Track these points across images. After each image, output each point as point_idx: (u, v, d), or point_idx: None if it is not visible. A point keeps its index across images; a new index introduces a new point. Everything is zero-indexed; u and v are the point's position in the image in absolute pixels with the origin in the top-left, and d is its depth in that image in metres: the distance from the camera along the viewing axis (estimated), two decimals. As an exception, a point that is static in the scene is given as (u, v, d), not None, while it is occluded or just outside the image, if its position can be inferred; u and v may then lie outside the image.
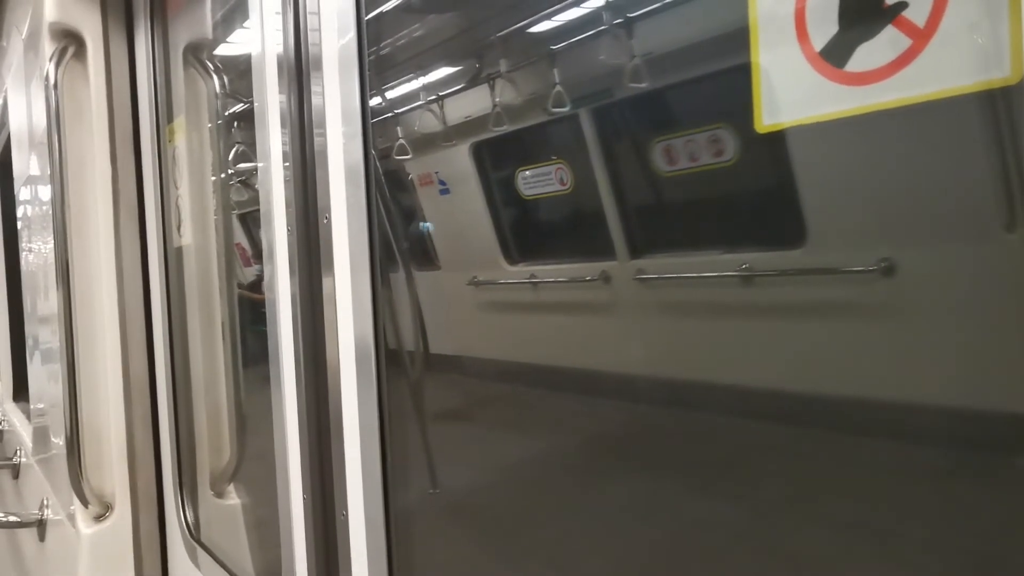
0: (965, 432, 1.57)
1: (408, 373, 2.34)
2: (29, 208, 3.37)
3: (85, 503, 2.51)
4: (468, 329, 3.37)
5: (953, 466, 1.61)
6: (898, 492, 1.66)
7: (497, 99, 2.94)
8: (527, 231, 3.60)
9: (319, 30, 1.54)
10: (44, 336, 3.10)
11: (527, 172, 3.31)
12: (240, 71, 2.28)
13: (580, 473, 2.43)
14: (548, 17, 2.60)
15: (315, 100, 1.56)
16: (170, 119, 2.51)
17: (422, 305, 2.59)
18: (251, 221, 2.89)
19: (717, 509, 2.01)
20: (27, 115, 3.14)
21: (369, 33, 1.50)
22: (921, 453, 1.64)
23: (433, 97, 3.17)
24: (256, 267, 2.84)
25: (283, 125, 1.63)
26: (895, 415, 1.71)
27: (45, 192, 2.64)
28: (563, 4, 2.42)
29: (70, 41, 2.47)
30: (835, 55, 0.80)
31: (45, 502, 3.16)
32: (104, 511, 2.55)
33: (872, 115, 0.79)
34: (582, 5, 2.38)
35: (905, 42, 0.75)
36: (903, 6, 0.75)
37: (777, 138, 1.76)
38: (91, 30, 2.48)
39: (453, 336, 3.22)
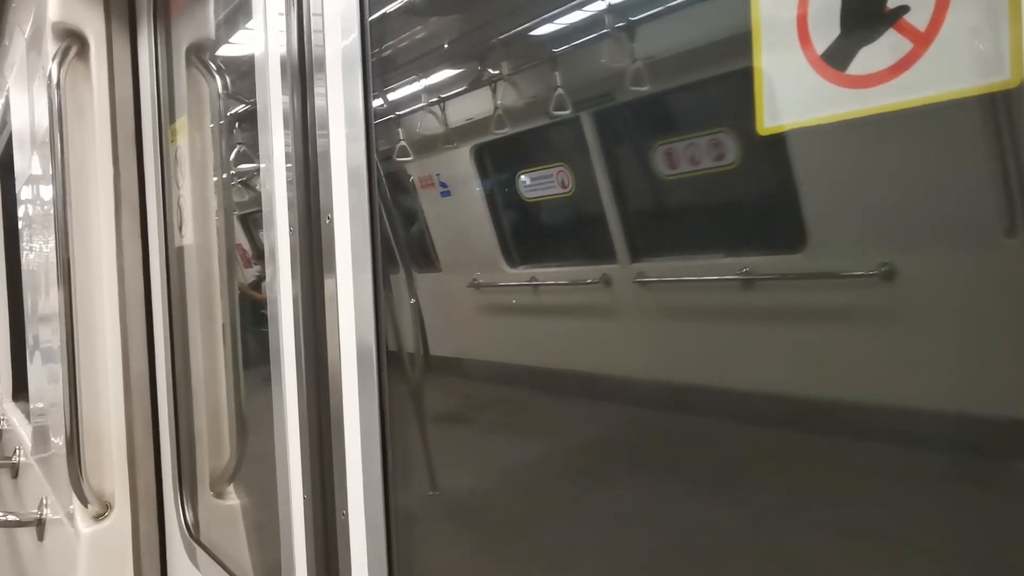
0: (966, 437, 1.57)
1: (409, 375, 2.34)
2: (30, 207, 3.37)
3: (84, 502, 2.51)
4: (468, 331, 3.37)
5: (955, 472, 1.62)
6: (898, 497, 1.66)
7: (499, 102, 2.95)
8: (528, 234, 3.60)
9: (322, 31, 1.54)
10: (44, 336, 3.10)
11: (528, 175, 3.32)
12: (243, 72, 2.28)
13: (580, 476, 2.43)
14: (550, 20, 2.60)
15: (318, 101, 1.56)
16: (172, 119, 2.51)
17: (422, 307, 2.59)
18: (251, 222, 2.89)
19: (718, 514, 2.01)
20: (29, 114, 3.15)
21: (372, 34, 1.51)
22: (922, 458, 1.64)
23: (435, 99, 3.17)
24: (256, 268, 2.84)
25: (286, 126, 1.64)
26: (895, 420, 1.71)
27: (47, 191, 2.65)
28: (565, 7, 2.42)
29: (73, 41, 2.47)
30: (837, 58, 0.81)
31: (44, 501, 3.16)
32: (103, 511, 2.55)
33: (873, 118, 0.79)
34: (584, 8, 2.38)
35: (906, 45, 0.75)
36: (904, 10, 0.75)
37: (778, 141, 1.76)
38: (94, 30, 2.48)
39: (453, 338, 3.22)
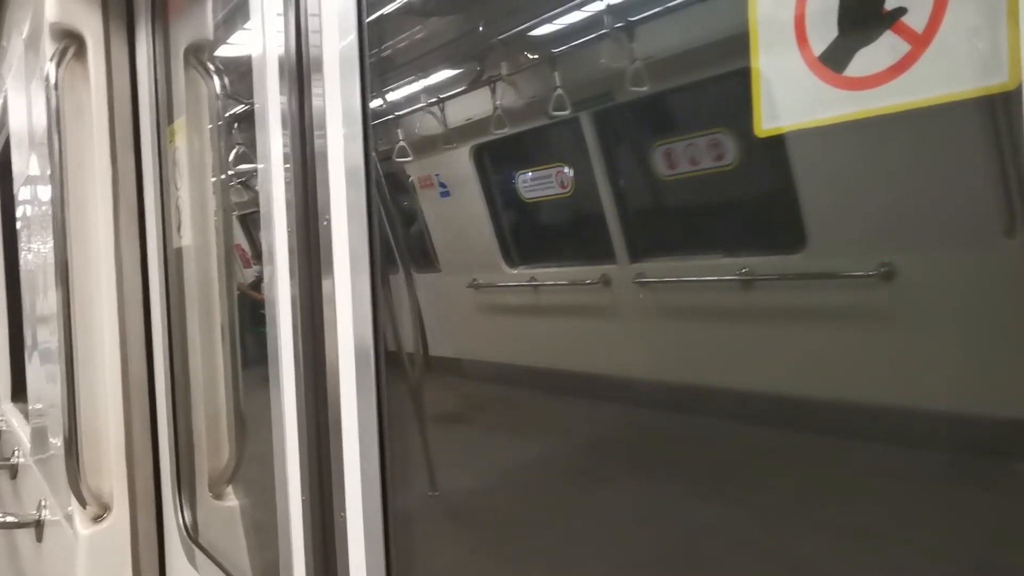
0: (965, 437, 1.57)
1: (408, 375, 2.34)
2: (29, 208, 3.36)
3: (83, 504, 2.50)
4: (468, 332, 3.37)
5: (953, 471, 1.61)
6: (898, 496, 1.66)
7: (498, 102, 2.95)
8: (527, 234, 3.60)
9: (320, 31, 1.54)
10: (43, 336, 3.09)
11: (527, 175, 3.31)
12: (241, 72, 2.28)
13: (579, 476, 2.43)
14: (549, 21, 2.60)
15: (316, 102, 1.56)
16: (171, 120, 2.51)
17: (422, 307, 2.58)
18: (251, 223, 2.89)
19: (716, 513, 2.01)
20: (27, 115, 3.14)
21: (371, 35, 1.50)
22: (921, 458, 1.64)
23: (434, 100, 3.17)
24: (255, 268, 2.84)
25: (284, 126, 1.63)
26: (894, 419, 1.71)
27: (45, 192, 2.64)
28: (564, 9, 2.42)
29: (71, 41, 2.47)
30: (835, 60, 0.80)
31: (43, 503, 3.15)
32: (102, 512, 2.55)
33: (871, 120, 0.79)
34: (583, 9, 2.38)
35: (904, 47, 0.75)
36: (902, 11, 0.75)
37: (777, 143, 1.76)
38: (92, 30, 2.48)
39: (452, 339, 3.22)
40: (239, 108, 2.39)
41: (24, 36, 3.05)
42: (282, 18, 1.61)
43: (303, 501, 1.66)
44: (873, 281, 1.81)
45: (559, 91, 2.66)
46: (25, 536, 3.41)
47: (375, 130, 1.52)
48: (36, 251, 3.16)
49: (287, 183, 1.63)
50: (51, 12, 2.43)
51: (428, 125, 3.25)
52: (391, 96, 2.90)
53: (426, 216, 3.69)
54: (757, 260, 2.34)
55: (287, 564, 1.73)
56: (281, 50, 1.62)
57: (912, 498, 1.62)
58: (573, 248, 3.36)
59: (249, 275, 2.94)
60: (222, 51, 2.42)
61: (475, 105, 3.13)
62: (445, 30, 2.99)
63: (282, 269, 1.68)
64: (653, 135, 2.76)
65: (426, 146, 3.46)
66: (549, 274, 3.38)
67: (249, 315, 2.47)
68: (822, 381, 1.92)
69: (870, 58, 0.77)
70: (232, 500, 2.52)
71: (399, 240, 2.51)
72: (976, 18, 0.70)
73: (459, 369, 3.17)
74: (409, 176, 3.58)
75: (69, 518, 2.62)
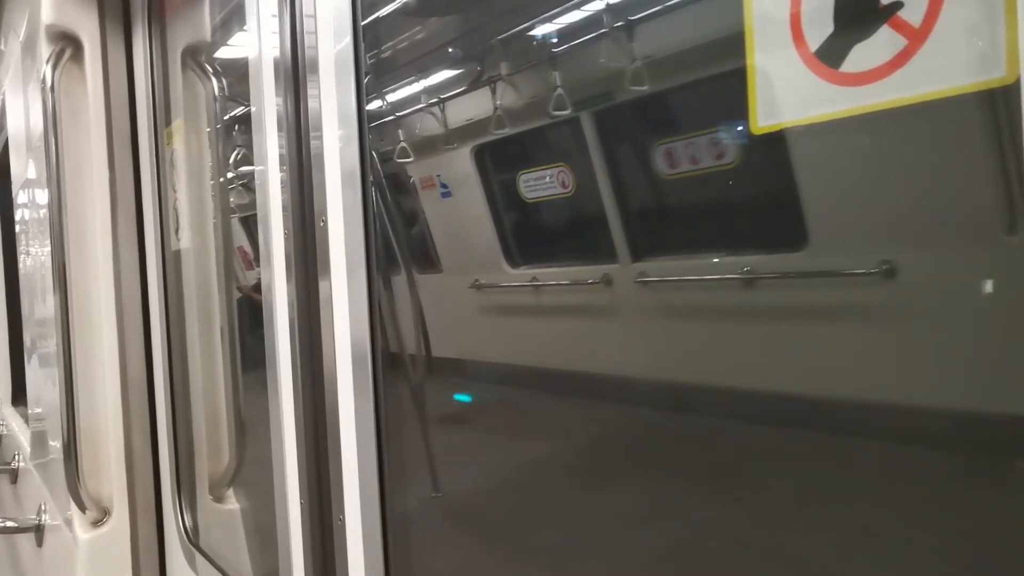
0: (966, 434, 1.56)
1: (408, 376, 2.33)
2: (27, 212, 3.36)
3: (82, 508, 2.50)
4: (470, 332, 3.37)
5: (955, 468, 1.61)
6: (899, 494, 1.65)
7: (498, 102, 2.94)
8: (529, 234, 3.59)
9: (315, 33, 1.53)
10: (42, 340, 3.09)
11: (528, 175, 3.31)
12: (239, 74, 2.28)
13: (583, 477, 2.42)
14: (548, 20, 2.60)
15: (311, 103, 1.55)
16: (168, 122, 2.50)
17: (424, 308, 2.58)
18: (253, 225, 2.88)
19: (718, 513, 2.00)
20: (25, 118, 3.14)
21: (368, 36, 1.50)
22: (923, 456, 1.63)
23: (434, 100, 3.17)
24: (258, 271, 2.83)
25: (279, 128, 1.63)
26: (896, 417, 1.70)
27: (42, 195, 2.63)
28: (561, 9, 2.42)
29: (67, 43, 2.46)
30: (831, 56, 0.79)
31: (43, 507, 3.14)
32: (102, 516, 2.54)
33: (868, 116, 0.78)
34: (581, 9, 2.38)
35: (901, 42, 0.74)
36: (898, 6, 0.74)
37: (777, 141, 1.75)
38: (88, 32, 2.47)
39: (455, 340, 3.22)
40: (237, 110, 2.39)
41: (21, 39, 3.04)
42: (277, 19, 1.61)
43: (302, 505, 1.65)
44: (875, 279, 1.81)
45: (559, 91, 2.65)
46: (26, 541, 3.41)
47: (376, 131, 1.51)
48: (34, 255, 3.15)
49: (283, 185, 1.63)
50: (47, 14, 2.42)
51: (429, 126, 3.24)
52: (391, 97, 2.89)
53: (428, 216, 3.68)
54: (759, 259, 2.34)
55: (287, 568, 1.73)
56: (276, 52, 1.61)
57: (915, 497, 1.61)
58: (575, 248, 3.36)
59: (252, 277, 2.94)
60: (219, 53, 2.42)
61: (476, 105, 3.13)
62: (444, 31, 2.98)
63: (279, 271, 1.67)
64: (653, 134, 2.75)
65: (427, 147, 3.45)
66: (551, 274, 3.37)
67: (249, 317, 2.47)
68: (823, 379, 1.91)
69: (867, 53, 0.77)
70: (232, 503, 2.52)
71: (401, 241, 2.51)
72: (974, 12, 0.70)
73: (462, 370, 3.17)
74: (411, 177, 3.58)
75: (69, 523, 2.61)
